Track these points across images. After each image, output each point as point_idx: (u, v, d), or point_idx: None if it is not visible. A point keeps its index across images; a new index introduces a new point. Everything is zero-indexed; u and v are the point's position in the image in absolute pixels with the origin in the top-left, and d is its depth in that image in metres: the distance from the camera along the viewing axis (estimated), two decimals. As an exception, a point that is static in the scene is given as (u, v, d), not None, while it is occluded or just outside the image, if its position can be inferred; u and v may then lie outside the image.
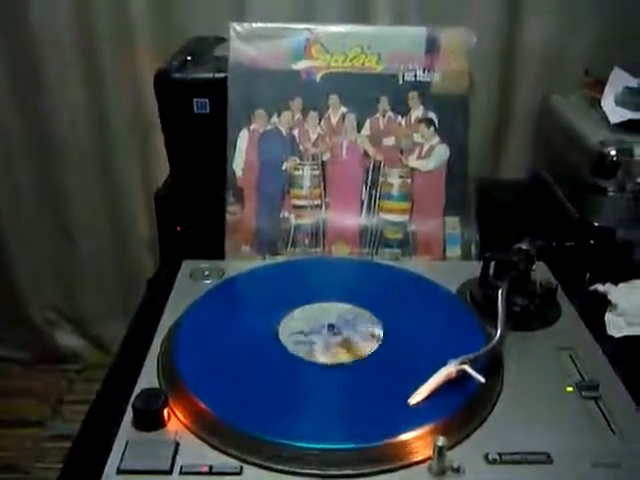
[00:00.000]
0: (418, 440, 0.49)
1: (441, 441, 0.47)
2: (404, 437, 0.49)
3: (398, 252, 0.78)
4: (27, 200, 1.39)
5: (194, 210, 0.87)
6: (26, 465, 1.28)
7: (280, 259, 0.77)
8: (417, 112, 0.80)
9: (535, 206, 1.01)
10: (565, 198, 0.95)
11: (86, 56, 1.24)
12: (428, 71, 0.80)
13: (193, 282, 0.72)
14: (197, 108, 0.83)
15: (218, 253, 0.79)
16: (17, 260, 1.44)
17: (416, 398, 0.52)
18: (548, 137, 1.05)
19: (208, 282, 0.71)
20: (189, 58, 0.87)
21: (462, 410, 0.52)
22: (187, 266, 0.75)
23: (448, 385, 0.53)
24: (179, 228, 0.86)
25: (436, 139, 0.80)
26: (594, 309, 0.74)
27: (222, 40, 0.92)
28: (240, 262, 0.76)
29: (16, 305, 1.49)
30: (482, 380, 0.52)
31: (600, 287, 0.78)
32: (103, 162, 1.33)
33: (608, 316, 0.74)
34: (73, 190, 1.37)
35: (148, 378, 0.56)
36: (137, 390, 0.54)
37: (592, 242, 0.85)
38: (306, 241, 0.79)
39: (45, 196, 1.38)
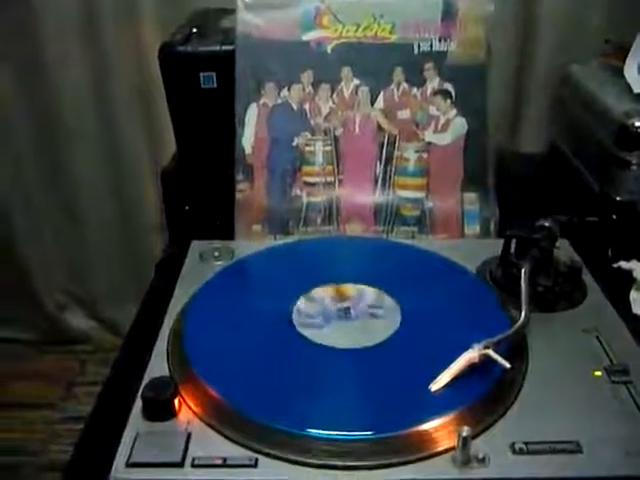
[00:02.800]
0: (440, 429, 0.47)
1: (466, 431, 0.44)
2: (426, 426, 0.47)
3: (414, 230, 0.76)
4: (33, 182, 1.37)
5: (202, 188, 0.84)
6: (38, 448, 1.27)
7: (292, 239, 0.75)
8: (433, 83, 0.77)
9: (554, 180, 0.97)
10: (586, 171, 0.91)
11: (89, 31, 1.21)
12: (444, 40, 0.76)
13: (203, 263, 0.70)
14: (204, 82, 0.80)
15: (228, 233, 0.76)
16: (25, 242, 1.43)
17: (437, 384, 0.50)
18: (568, 108, 1.01)
19: (218, 263, 0.69)
20: (194, 30, 0.84)
21: (486, 397, 0.50)
22: (196, 247, 0.73)
23: (471, 370, 0.51)
24: (187, 207, 0.84)
25: (453, 112, 0.76)
26: (618, 287, 0.71)
27: (229, 12, 0.89)
28: (251, 242, 0.73)
29: (25, 287, 1.48)
30: (507, 366, 0.50)
31: (624, 264, 0.75)
32: (109, 141, 1.31)
33: (633, 294, 0.71)
34: (79, 171, 1.35)
35: (158, 366, 0.54)
36: (146, 379, 0.52)
37: (614, 217, 0.82)
38: (318, 220, 0.76)
39: (51, 177, 1.37)
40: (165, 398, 0.49)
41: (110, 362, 0.63)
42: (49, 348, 1.51)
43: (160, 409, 0.49)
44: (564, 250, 0.69)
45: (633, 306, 0.70)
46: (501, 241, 0.67)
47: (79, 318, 1.52)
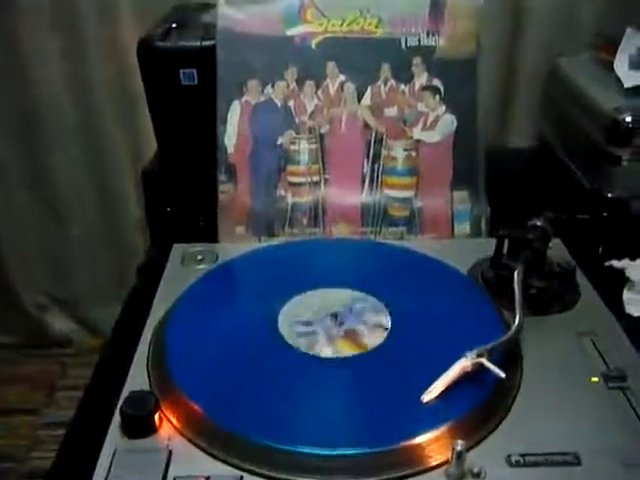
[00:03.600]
0: (433, 442, 0.45)
1: (460, 445, 0.42)
2: (418, 440, 0.45)
3: (403, 230, 0.74)
4: (12, 181, 1.34)
5: (184, 188, 0.82)
6: (21, 454, 1.25)
7: (277, 241, 0.72)
8: (421, 79, 0.74)
9: (544, 176, 0.96)
10: (576, 168, 0.90)
11: (66, 26, 1.18)
12: (432, 35, 0.74)
13: (184, 268, 0.67)
14: (184, 79, 0.77)
15: (212, 234, 0.74)
16: (5, 243, 1.40)
17: (430, 395, 0.48)
18: (557, 103, 1.00)
19: (201, 267, 0.67)
20: (174, 26, 0.81)
21: (480, 407, 0.48)
22: (178, 250, 0.70)
23: (463, 380, 0.49)
24: (169, 209, 0.81)
25: (442, 108, 0.74)
26: (610, 286, 0.70)
27: (209, 6, 0.86)
28: (234, 245, 0.71)
29: (5, 289, 1.44)
30: (502, 375, 0.48)
31: (616, 263, 0.73)
32: (89, 139, 1.28)
33: (626, 294, 0.70)
34: (59, 169, 1.32)
35: (138, 378, 0.52)
36: (125, 393, 0.50)
37: (605, 214, 0.81)
38: (304, 221, 0.74)
39: (31, 176, 1.34)
40: (144, 414, 0.47)
41: (92, 365, 0.61)
42: (30, 352, 1.48)
43: (139, 425, 0.47)
44: (557, 250, 0.67)
45: (626, 306, 0.68)
46: (492, 240, 0.65)
47: (61, 320, 1.49)
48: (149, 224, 0.84)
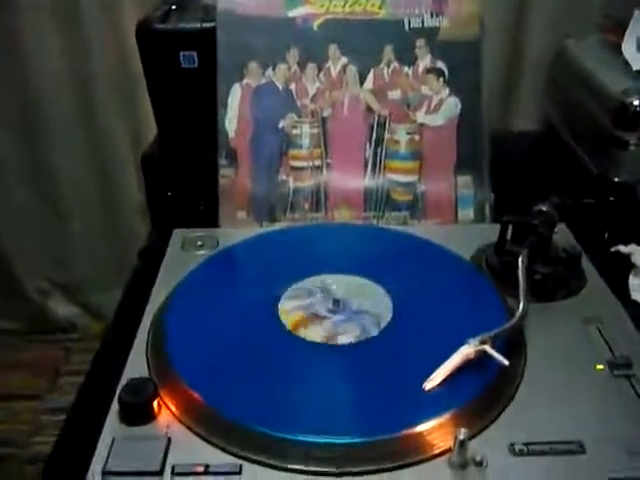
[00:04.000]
0: (435, 430, 0.44)
1: (462, 434, 0.42)
2: (420, 428, 0.44)
3: (406, 215, 0.72)
4: (13, 169, 1.33)
5: (185, 172, 0.81)
6: (23, 440, 1.25)
7: (278, 226, 0.72)
8: (425, 61, 0.73)
9: (549, 160, 0.94)
10: (582, 152, 0.88)
11: (67, 18, 1.17)
12: (436, 15, 0.73)
13: (185, 253, 0.66)
14: (184, 62, 0.76)
15: (213, 218, 0.73)
16: (6, 229, 1.39)
17: (432, 383, 0.47)
18: (563, 85, 0.98)
19: (201, 253, 0.66)
20: (173, 7, 0.80)
21: (483, 395, 0.47)
22: (178, 235, 0.69)
23: (466, 367, 0.48)
24: (169, 193, 0.80)
25: (446, 91, 0.73)
26: (617, 272, 0.69)
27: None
28: (235, 230, 0.70)
29: (8, 275, 1.44)
30: (505, 363, 0.47)
31: (623, 248, 0.72)
32: (90, 124, 1.27)
33: (632, 280, 0.68)
34: (61, 156, 1.31)
35: (137, 365, 0.51)
36: (124, 379, 0.49)
37: (611, 199, 0.80)
38: (306, 205, 0.73)
39: (32, 163, 1.33)
40: (143, 401, 0.46)
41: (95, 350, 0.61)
42: (33, 337, 1.48)
43: (138, 413, 0.46)
44: (562, 235, 0.66)
45: (632, 292, 0.67)
46: (496, 226, 0.64)
47: (63, 305, 1.49)
48: (150, 209, 0.84)
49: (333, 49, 0.73)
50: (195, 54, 0.76)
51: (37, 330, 1.49)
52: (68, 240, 1.41)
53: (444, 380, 0.47)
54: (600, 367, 0.51)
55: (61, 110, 1.25)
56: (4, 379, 1.39)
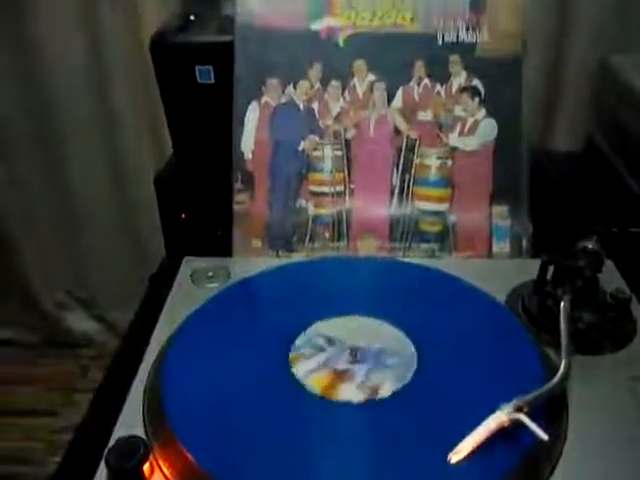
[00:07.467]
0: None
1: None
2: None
3: (435, 247, 0.67)
4: (31, 181, 1.32)
5: (200, 195, 0.76)
6: (37, 458, 1.21)
7: (296, 256, 0.66)
8: (459, 79, 0.67)
9: (592, 182, 0.88)
10: (627, 173, 0.82)
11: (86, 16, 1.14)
12: (473, 30, 0.67)
13: (194, 286, 0.62)
14: (200, 77, 0.71)
15: (228, 243, 0.68)
16: (24, 242, 1.38)
17: (458, 455, 0.41)
18: (607, 103, 0.93)
19: (211, 286, 0.61)
20: (192, 18, 0.75)
21: (517, 471, 0.41)
22: (188, 265, 0.65)
23: (498, 437, 0.42)
24: (183, 216, 0.76)
25: (482, 112, 0.67)
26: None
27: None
28: (249, 260, 0.65)
29: (24, 288, 1.42)
30: (545, 437, 0.41)
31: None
32: (109, 139, 1.25)
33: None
34: (79, 169, 1.29)
35: (130, 420, 0.46)
36: (114, 437, 0.44)
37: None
38: (327, 234, 0.67)
39: (50, 176, 1.31)
40: (131, 465, 0.41)
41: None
42: (49, 351, 1.45)
43: (126, 478, 0.41)
44: (608, 273, 0.59)
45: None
46: (535, 261, 0.58)
47: (81, 320, 1.47)
48: (163, 232, 0.79)
49: (360, 65, 0.68)
50: (212, 69, 0.71)
51: (52, 344, 1.47)
52: (88, 254, 1.39)
53: (472, 452, 0.41)
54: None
55: (81, 124, 1.24)
56: (17, 393, 1.36)
